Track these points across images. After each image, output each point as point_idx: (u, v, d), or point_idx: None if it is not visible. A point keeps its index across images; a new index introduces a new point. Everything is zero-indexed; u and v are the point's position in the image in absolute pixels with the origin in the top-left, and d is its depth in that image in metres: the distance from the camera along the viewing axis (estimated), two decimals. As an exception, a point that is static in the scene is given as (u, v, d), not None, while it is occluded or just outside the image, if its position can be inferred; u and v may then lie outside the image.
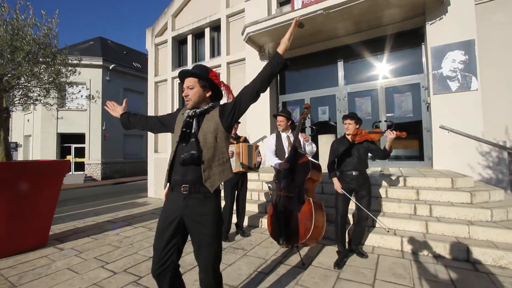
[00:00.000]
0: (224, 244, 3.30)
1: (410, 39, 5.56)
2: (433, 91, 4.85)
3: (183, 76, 1.64)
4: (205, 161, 1.50)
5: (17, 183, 3.13)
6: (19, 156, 16.56)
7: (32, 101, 4.00)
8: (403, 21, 5.33)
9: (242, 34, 6.15)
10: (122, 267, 2.78)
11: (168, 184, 1.58)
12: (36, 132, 15.14)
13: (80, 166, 15.60)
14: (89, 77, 15.03)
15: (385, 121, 5.75)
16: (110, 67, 16.08)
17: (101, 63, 15.70)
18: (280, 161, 3.17)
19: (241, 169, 3.48)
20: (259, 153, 3.77)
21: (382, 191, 3.99)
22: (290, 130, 3.49)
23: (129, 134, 17.32)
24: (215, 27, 7.99)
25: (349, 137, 2.97)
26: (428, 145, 5.25)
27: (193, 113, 1.59)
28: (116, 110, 1.89)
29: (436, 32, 4.85)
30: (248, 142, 3.78)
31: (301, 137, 3.27)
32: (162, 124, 1.77)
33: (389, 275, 2.49)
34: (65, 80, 4.09)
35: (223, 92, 1.79)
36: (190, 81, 1.60)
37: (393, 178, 4.11)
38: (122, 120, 1.85)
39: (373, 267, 2.66)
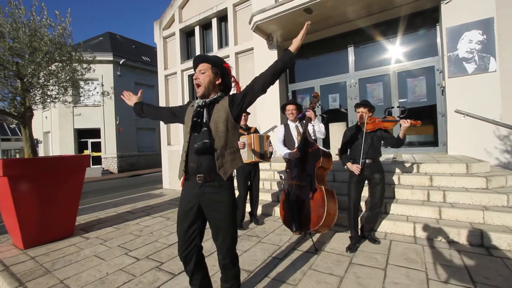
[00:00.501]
0: (239, 232, 3.42)
1: (424, 20, 5.34)
2: (448, 74, 4.69)
3: (197, 61, 1.69)
4: (218, 149, 1.57)
5: (45, 178, 3.34)
6: (40, 152, 17.32)
7: (51, 99, 4.19)
8: (416, 1, 5.09)
9: (250, 23, 6.08)
10: (144, 254, 2.96)
11: (184, 173, 1.65)
12: (55, 129, 15.73)
13: (97, 160, 16.18)
14: (101, 73, 15.32)
15: (397, 107, 5.63)
16: (121, 62, 16.32)
17: (111, 58, 15.94)
18: (289, 151, 3.21)
19: (253, 159, 3.55)
20: (270, 143, 3.82)
21: (395, 178, 3.98)
22: (298, 120, 3.51)
23: (142, 127, 17.72)
24: (222, 17, 7.92)
25: (362, 125, 2.95)
26: (442, 130, 5.13)
27: (203, 103, 1.63)
28: (131, 99, 2.01)
29: (452, 12, 4.64)
30: (259, 133, 3.83)
31: (309, 115, 3.09)
32: (173, 114, 1.84)
33: (401, 260, 2.53)
34: (80, 77, 4.25)
35: (232, 85, 1.83)
36: (203, 66, 1.65)
37: (406, 165, 4.08)
38: (135, 108, 1.96)
39: (385, 252, 2.71)
